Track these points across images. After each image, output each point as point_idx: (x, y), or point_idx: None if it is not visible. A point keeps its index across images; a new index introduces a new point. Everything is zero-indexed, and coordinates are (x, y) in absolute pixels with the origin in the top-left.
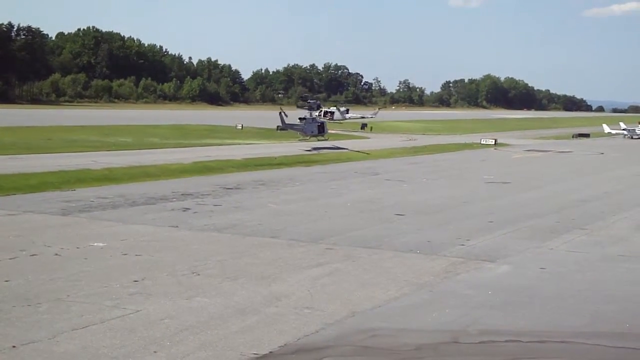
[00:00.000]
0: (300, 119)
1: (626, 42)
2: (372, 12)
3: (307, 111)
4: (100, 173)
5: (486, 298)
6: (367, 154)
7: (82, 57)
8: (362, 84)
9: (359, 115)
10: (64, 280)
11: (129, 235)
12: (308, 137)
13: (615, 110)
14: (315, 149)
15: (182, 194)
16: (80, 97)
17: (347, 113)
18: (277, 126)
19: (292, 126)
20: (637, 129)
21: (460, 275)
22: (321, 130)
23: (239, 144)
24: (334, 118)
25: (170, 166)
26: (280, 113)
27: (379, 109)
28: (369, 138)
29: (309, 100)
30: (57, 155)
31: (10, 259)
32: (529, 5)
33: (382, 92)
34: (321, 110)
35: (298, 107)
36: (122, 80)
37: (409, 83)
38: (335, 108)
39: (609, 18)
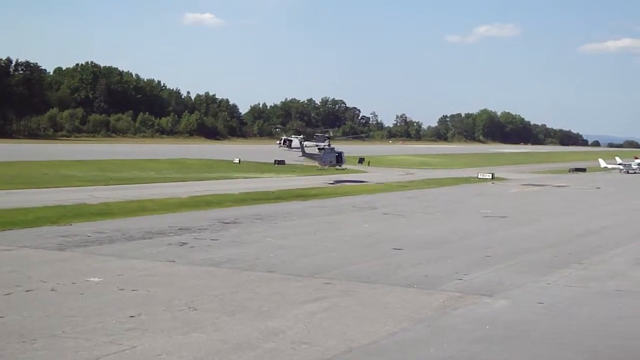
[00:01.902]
0: (319, 149)
1: (621, 78)
2: (369, 46)
3: (320, 143)
4: (97, 208)
5: (484, 333)
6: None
7: (80, 92)
8: (359, 118)
9: (313, 144)
10: (59, 316)
11: (126, 270)
12: (326, 167)
13: (611, 145)
14: (337, 182)
15: (180, 229)
16: (78, 131)
17: (305, 141)
18: (275, 160)
19: (311, 156)
20: (632, 163)
21: (458, 310)
22: (339, 160)
23: (238, 178)
24: (292, 146)
25: (167, 200)
26: (300, 142)
27: (331, 137)
28: (366, 172)
29: (316, 134)
30: (54, 190)
31: (5, 294)
32: (525, 41)
33: (380, 126)
34: (281, 139)
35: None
36: (119, 114)
37: (406, 117)
38: (294, 137)
39: (605, 54)
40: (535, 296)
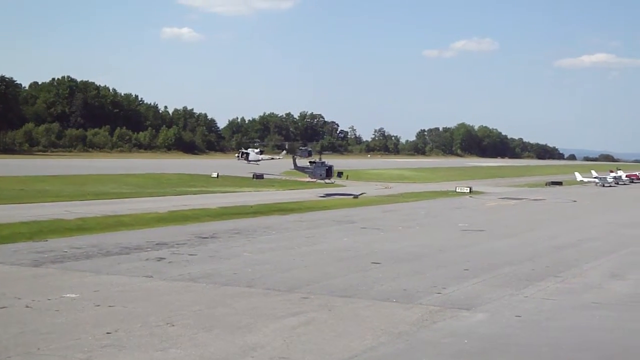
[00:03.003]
0: (310, 162)
1: (597, 92)
2: (348, 61)
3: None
4: (73, 223)
5: (462, 347)
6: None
7: (56, 107)
8: (337, 132)
9: (269, 157)
10: (34, 333)
11: (102, 286)
12: (316, 180)
13: (586, 159)
14: (327, 195)
15: (157, 244)
16: (54, 146)
17: (261, 154)
18: (253, 174)
19: (303, 169)
20: (608, 177)
21: (436, 323)
22: (329, 173)
23: (216, 192)
24: (249, 159)
25: (145, 215)
26: (293, 157)
27: (284, 151)
28: (345, 186)
29: (300, 148)
30: (30, 205)
31: None
32: (502, 56)
33: (358, 140)
34: (240, 151)
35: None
36: (96, 129)
37: (384, 131)
38: (251, 150)
39: (580, 69)
40: (512, 309)
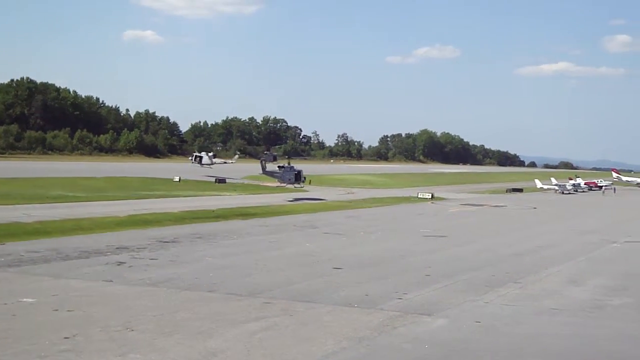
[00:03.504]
0: (279, 167)
1: (557, 100)
2: (311, 66)
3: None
4: (31, 226)
5: (423, 352)
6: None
7: (15, 108)
8: (300, 137)
9: (222, 161)
10: None
11: (61, 290)
12: (285, 184)
13: (546, 166)
14: (296, 199)
15: (117, 248)
16: (13, 148)
17: (214, 158)
18: (216, 178)
19: (272, 174)
20: (567, 184)
21: (397, 329)
22: (298, 178)
23: (178, 196)
24: (202, 162)
25: (105, 219)
26: (261, 162)
27: (237, 155)
28: (307, 191)
29: (265, 152)
30: None
31: None
32: (464, 63)
33: (321, 145)
34: (194, 155)
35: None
36: (56, 131)
37: (347, 137)
38: (204, 153)
39: (541, 77)
40: (473, 315)
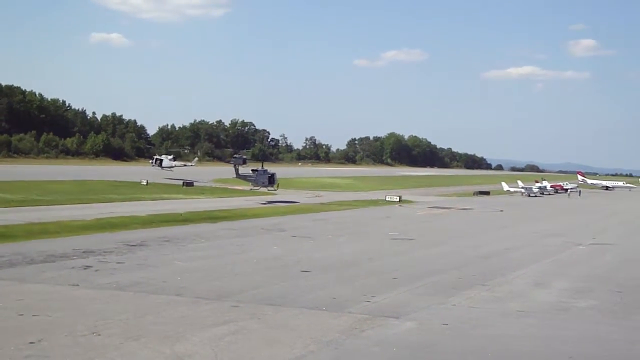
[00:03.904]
0: (252, 170)
1: (523, 104)
2: (279, 70)
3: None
4: None
5: (391, 355)
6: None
7: None
8: (269, 140)
9: (182, 164)
10: None
11: (26, 295)
12: (259, 188)
13: (513, 169)
14: (269, 202)
15: (84, 252)
16: None
17: (174, 161)
18: (183, 182)
19: (245, 177)
20: (533, 187)
21: (365, 332)
22: (271, 181)
23: (145, 199)
24: (163, 165)
25: (71, 223)
26: (234, 165)
27: (196, 157)
28: (276, 194)
29: (234, 156)
30: None
31: None
32: (431, 67)
33: (289, 148)
34: (154, 158)
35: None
36: (22, 134)
37: (315, 140)
38: (164, 156)
39: (507, 80)
40: (440, 317)
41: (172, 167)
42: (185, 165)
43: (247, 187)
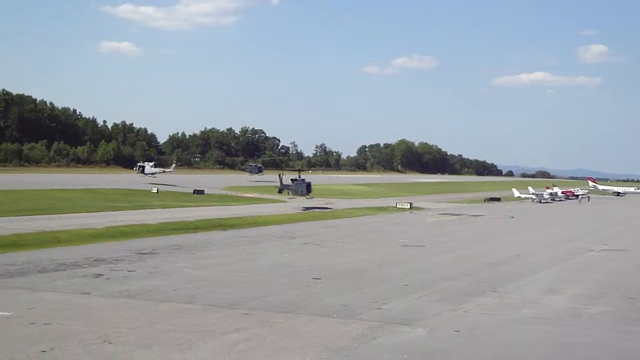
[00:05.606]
0: (292, 180)
1: (534, 110)
2: (289, 77)
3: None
4: (7, 239)
5: None
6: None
7: None
8: (279, 147)
9: (161, 170)
10: None
11: (38, 303)
12: (298, 195)
13: (524, 175)
14: (306, 208)
15: (95, 260)
16: None
17: (155, 167)
18: (194, 190)
19: (287, 187)
20: (544, 193)
21: (377, 339)
22: (308, 189)
23: (156, 208)
24: (145, 172)
25: (82, 231)
26: (279, 175)
27: (174, 164)
28: (286, 202)
29: (250, 164)
30: None
31: None
32: (442, 73)
33: (299, 156)
34: (137, 165)
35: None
36: (33, 143)
37: (325, 147)
38: (147, 163)
39: (518, 86)
40: (452, 324)
41: (154, 173)
42: (164, 172)
43: (257, 194)
